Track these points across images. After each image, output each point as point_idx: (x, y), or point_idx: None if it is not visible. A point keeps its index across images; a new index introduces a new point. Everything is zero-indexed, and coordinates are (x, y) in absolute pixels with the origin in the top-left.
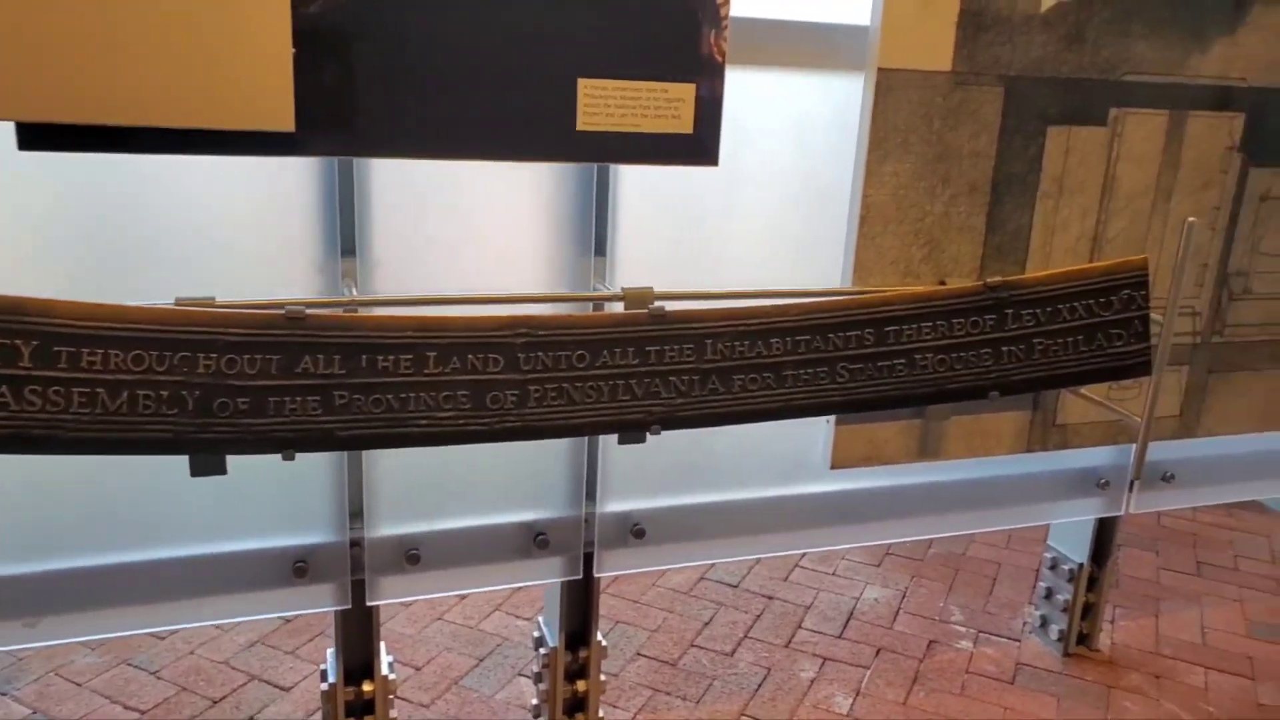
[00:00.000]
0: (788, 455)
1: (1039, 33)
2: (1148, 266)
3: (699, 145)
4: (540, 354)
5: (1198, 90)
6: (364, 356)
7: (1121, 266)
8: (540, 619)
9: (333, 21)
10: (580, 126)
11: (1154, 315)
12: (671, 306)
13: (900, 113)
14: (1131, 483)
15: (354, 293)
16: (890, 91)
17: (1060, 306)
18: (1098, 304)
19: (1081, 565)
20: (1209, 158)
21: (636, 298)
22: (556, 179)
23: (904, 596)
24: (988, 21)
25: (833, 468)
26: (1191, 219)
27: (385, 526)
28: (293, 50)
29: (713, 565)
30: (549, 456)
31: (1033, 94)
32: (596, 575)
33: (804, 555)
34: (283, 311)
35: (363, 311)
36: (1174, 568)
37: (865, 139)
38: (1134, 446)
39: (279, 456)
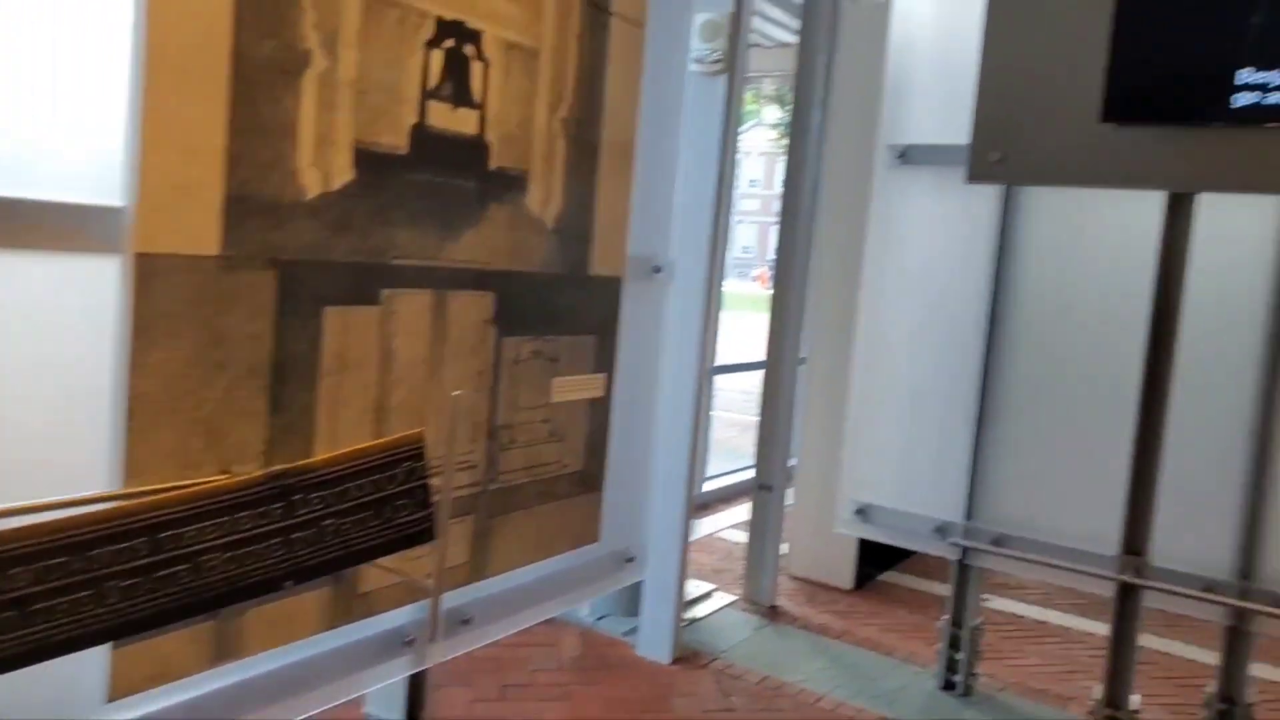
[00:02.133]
0: (49, 695)
1: (309, 219)
2: (424, 440)
3: None
4: None
5: (456, 272)
6: None
7: (401, 442)
8: None
9: None
10: None
11: (436, 479)
12: None
13: (167, 298)
14: (431, 637)
15: None
16: (154, 277)
17: (348, 486)
18: (383, 479)
19: None
20: (470, 330)
21: None
22: None
23: None
24: (256, 207)
25: (111, 700)
26: (457, 393)
27: None
28: None
29: None
30: None
31: (308, 277)
32: None
33: None
34: None
35: None
36: (484, 697)
37: (129, 327)
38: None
39: None
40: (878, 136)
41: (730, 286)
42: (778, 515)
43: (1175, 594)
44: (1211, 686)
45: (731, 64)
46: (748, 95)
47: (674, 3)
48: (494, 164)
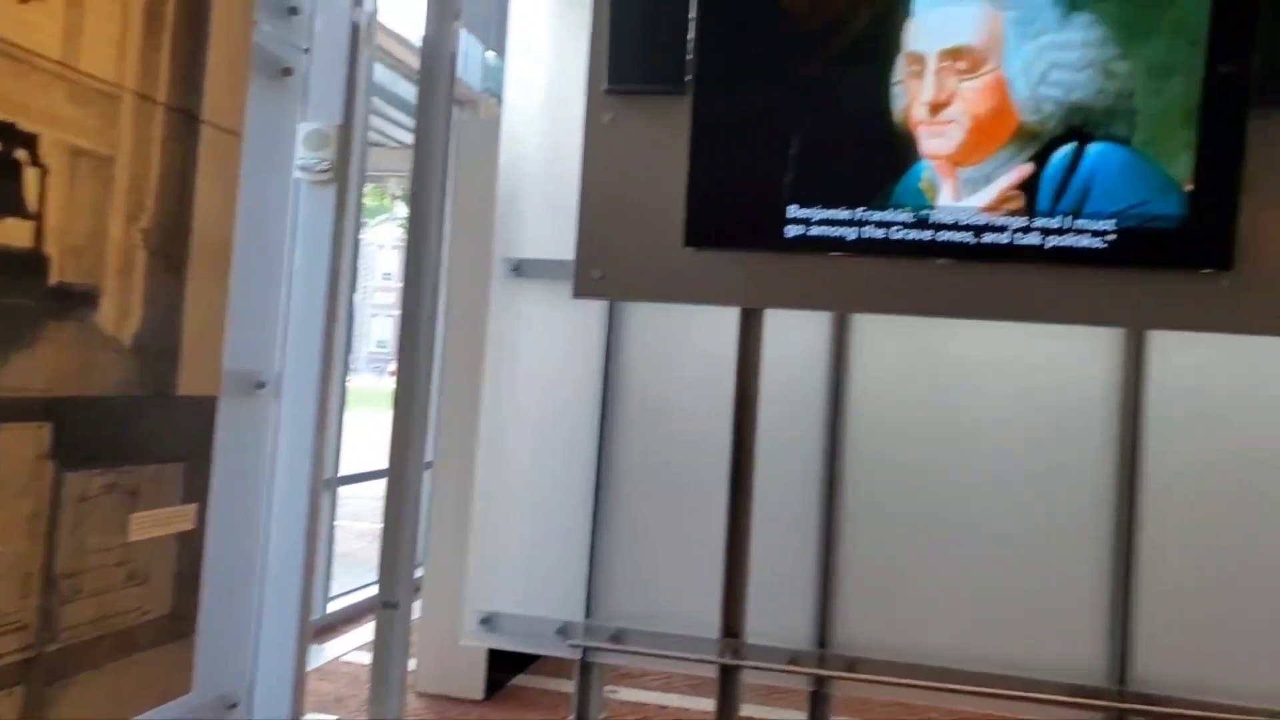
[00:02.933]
0: None
1: None
2: None
3: None
4: None
5: (2, 403)
6: None
7: None
8: None
9: None
10: None
11: None
12: None
13: None
14: None
15: None
16: None
17: None
18: None
19: None
20: (20, 468)
21: None
22: None
23: None
24: None
25: None
26: None
27: None
28: None
29: None
30: None
31: None
32: None
33: None
34: None
35: None
36: None
37: None
38: None
39: None
40: (494, 249)
41: (366, 383)
42: (404, 632)
43: (765, 669)
44: None
45: (342, 174)
46: (377, 192)
47: (275, 111)
48: (55, 279)
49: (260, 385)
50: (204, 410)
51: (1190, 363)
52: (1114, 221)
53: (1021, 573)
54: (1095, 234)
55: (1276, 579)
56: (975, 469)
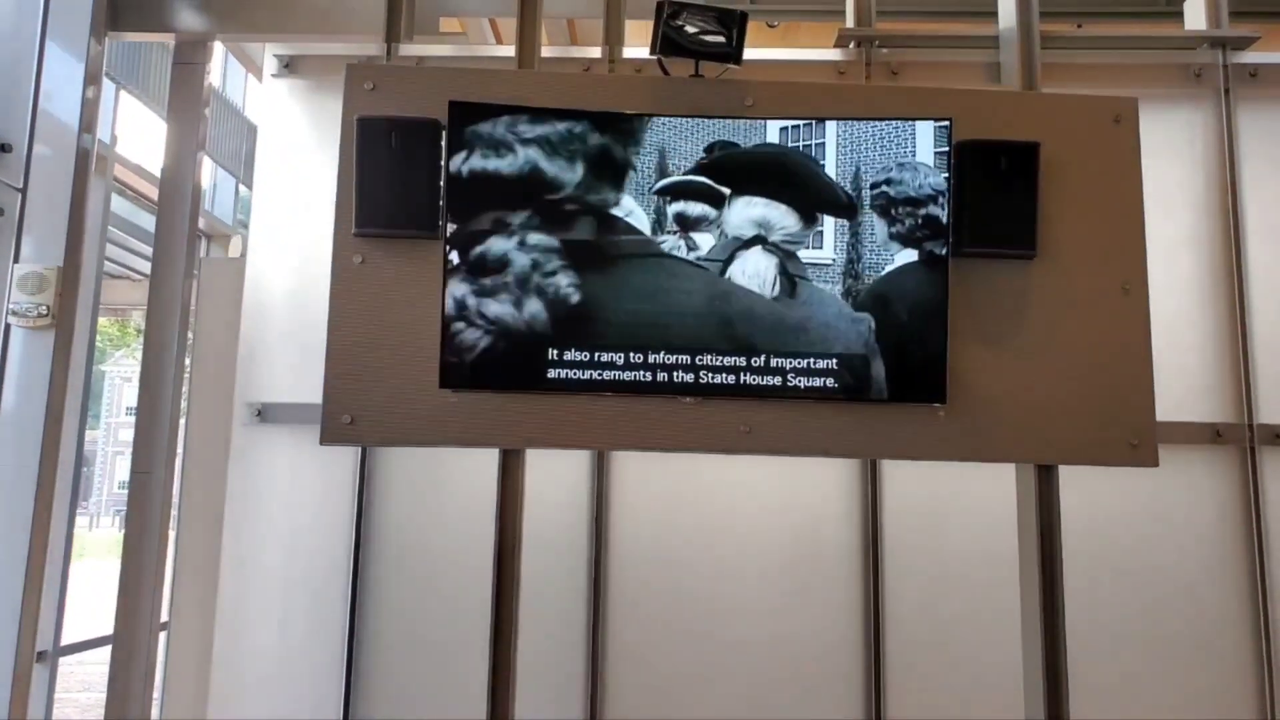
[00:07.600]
0: None
1: None
2: None
3: None
4: None
5: None
6: None
7: None
8: None
9: None
10: None
11: None
12: None
13: None
14: None
15: None
16: None
17: None
18: None
19: None
20: None
21: None
22: None
23: None
24: None
25: None
26: None
27: None
28: None
29: None
30: None
31: None
32: None
33: None
34: None
35: None
36: None
37: None
38: None
39: None
40: (236, 392)
41: (106, 531)
42: None
43: None
44: None
45: (65, 316)
46: (119, 325)
47: None
48: None
49: None
50: None
51: (916, 480)
52: (836, 360)
53: (782, 671)
54: (825, 373)
55: (991, 652)
56: (734, 581)
